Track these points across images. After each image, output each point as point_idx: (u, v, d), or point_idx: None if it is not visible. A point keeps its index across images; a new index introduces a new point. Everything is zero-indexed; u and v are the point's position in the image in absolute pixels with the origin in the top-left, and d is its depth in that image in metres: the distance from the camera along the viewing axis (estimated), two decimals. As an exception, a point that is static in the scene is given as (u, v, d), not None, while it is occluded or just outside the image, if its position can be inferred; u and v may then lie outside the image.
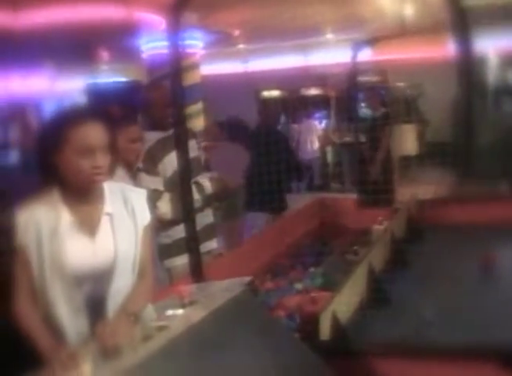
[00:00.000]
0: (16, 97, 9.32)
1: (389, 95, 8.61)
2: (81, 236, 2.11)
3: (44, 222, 2.08)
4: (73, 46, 8.31)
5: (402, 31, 7.32)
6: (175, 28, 2.71)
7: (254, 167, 5.03)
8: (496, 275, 3.02)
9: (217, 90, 8.55)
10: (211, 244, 3.69)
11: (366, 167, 5.86)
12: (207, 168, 3.98)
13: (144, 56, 7.98)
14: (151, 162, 3.49)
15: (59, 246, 2.07)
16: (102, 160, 2.07)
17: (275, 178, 4.41)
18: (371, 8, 7.96)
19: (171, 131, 3.26)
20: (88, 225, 2.13)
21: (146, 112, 3.68)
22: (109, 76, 11.97)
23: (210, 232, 3.67)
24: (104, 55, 10.11)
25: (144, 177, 3.45)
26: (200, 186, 3.59)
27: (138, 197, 2.28)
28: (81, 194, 2.13)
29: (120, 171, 3.42)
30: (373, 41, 6.19)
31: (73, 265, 2.07)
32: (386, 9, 7.76)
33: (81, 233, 2.11)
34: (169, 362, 1.66)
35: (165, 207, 3.42)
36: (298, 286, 3.40)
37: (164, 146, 3.48)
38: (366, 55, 6.54)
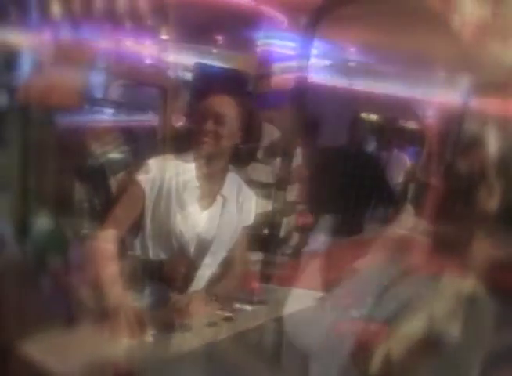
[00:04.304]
0: (126, 56, 9.55)
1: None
2: (197, 205, 2.19)
3: (174, 177, 2.16)
4: (192, 24, 8.45)
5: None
6: (310, 33, 2.76)
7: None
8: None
9: (315, 99, 8.55)
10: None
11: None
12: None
13: (258, 49, 8.02)
14: (272, 154, 3.55)
15: (176, 205, 2.15)
16: (212, 126, 2.16)
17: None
18: (492, 55, 7.79)
19: None
20: (205, 198, 2.22)
21: None
22: (218, 61, 12.10)
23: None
24: (219, 39, 10.22)
25: (259, 167, 3.51)
26: None
27: (250, 198, 2.37)
28: (205, 167, 2.21)
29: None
30: (484, 89, 6.04)
31: (178, 227, 2.14)
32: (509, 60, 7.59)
33: (198, 202, 2.19)
34: (230, 354, 1.70)
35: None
36: (354, 312, 3.38)
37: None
38: (473, 101, 6.38)
